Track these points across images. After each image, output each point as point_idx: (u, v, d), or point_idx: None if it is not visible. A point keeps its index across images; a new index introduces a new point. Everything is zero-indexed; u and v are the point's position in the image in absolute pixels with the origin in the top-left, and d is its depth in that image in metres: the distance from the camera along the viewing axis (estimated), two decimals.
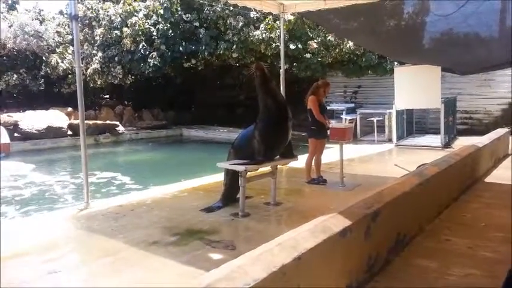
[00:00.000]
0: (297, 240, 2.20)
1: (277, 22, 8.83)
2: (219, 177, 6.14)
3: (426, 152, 9.95)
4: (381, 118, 12.86)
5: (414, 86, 10.39)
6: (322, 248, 2.32)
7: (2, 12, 20.49)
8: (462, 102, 13.73)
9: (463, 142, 9.21)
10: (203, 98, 21.58)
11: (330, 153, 7.83)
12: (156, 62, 16.66)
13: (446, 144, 10.96)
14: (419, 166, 5.62)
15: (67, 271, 3.51)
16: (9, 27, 19.43)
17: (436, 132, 11.84)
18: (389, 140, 12.17)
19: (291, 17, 13.42)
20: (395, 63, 13.14)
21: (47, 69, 19.73)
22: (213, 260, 3.62)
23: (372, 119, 13.02)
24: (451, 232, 4.08)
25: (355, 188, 6.33)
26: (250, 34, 14.92)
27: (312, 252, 2.18)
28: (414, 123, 13.68)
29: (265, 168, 5.40)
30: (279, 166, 5.66)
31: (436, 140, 11.39)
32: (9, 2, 21.72)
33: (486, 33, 7.39)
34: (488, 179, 6.69)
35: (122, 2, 17.94)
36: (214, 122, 19.35)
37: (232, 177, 5.27)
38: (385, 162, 9.83)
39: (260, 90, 5.13)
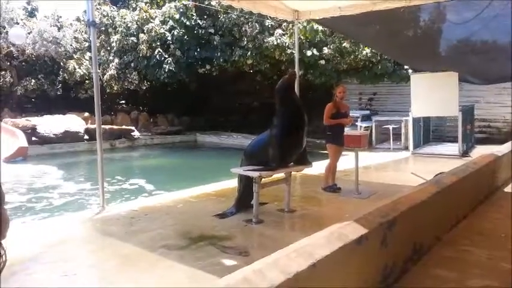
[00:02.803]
0: (313, 247, 2.17)
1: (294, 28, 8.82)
2: (233, 183, 6.12)
3: (443, 161, 9.80)
4: (397, 126, 12.72)
5: (431, 94, 10.26)
6: (338, 256, 2.28)
7: (22, 19, 20.94)
8: (480, 110, 13.52)
9: (482, 151, 9.03)
10: (217, 104, 21.69)
11: (345, 161, 7.76)
12: (171, 68, 16.81)
13: (464, 153, 10.78)
14: (437, 175, 5.52)
15: (80, 274, 3.52)
16: (29, 33, 19.85)
17: (454, 140, 11.66)
18: (406, 148, 12.02)
19: (320, 27, 13.44)
20: (411, 70, 13.04)
21: (65, 74, 20.09)
22: (226, 266, 3.60)
23: (387, 126, 12.89)
24: (470, 242, 3.98)
25: (370, 196, 6.24)
26: (265, 40, 14.97)
27: (328, 259, 2.14)
28: (431, 131, 13.50)
29: (279, 175, 5.37)
30: (293, 173, 5.62)
31: (453, 148, 11.20)
32: (29, 9, 22.20)
33: (504, 41, 7.29)
34: (508, 189, 6.54)
35: (138, 9, 18.22)
36: (228, 127, 19.41)
37: (245, 184, 5.25)
38: (401, 170, 9.70)
39: (282, 95, 5.13)
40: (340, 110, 6.46)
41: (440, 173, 5.46)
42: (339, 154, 6.66)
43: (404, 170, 9.57)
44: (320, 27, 13.70)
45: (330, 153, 6.61)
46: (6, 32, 19.03)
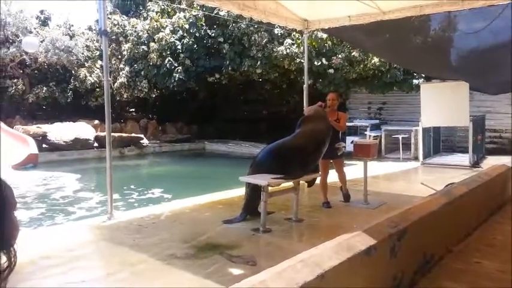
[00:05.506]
0: (321, 257, 2.13)
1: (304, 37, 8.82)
2: (241, 192, 6.10)
3: (454, 171, 9.68)
4: (406, 135, 12.63)
5: (441, 103, 10.17)
6: (346, 267, 2.24)
7: (35, 28, 21.23)
8: (491, 120, 13.36)
9: (493, 161, 8.93)
10: (226, 113, 21.74)
11: (354, 170, 7.71)
12: (181, 77, 16.92)
13: (475, 164, 10.65)
14: (447, 185, 5.44)
15: (86, 282, 3.51)
16: (41, 42, 20.11)
17: (464, 151, 11.54)
18: (415, 158, 11.91)
19: (324, 35, 13.45)
20: (421, 79, 12.96)
21: (76, 82, 20.27)
22: (233, 275, 3.56)
23: (397, 136, 12.80)
24: (481, 254, 3.90)
25: (379, 206, 6.18)
26: (274, 50, 15.01)
27: (335, 270, 2.11)
28: (441, 141, 13.37)
29: (287, 184, 5.34)
30: (301, 182, 5.59)
31: (464, 159, 11.08)
32: (42, 18, 22.52)
33: None
34: None
35: (149, 18, 18.41)
36: (236, 136, 19.42)
37: (252, 191, 5.24)
38: (410, 180, 9.60)
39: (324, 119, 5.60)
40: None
41: (451, 184, 5.39)
42: (327, 168, 6.22)
43: (413, 181, 9.47)
44: (325, 36, 13.70)
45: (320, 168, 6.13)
46: (20, 41, 19.31)
